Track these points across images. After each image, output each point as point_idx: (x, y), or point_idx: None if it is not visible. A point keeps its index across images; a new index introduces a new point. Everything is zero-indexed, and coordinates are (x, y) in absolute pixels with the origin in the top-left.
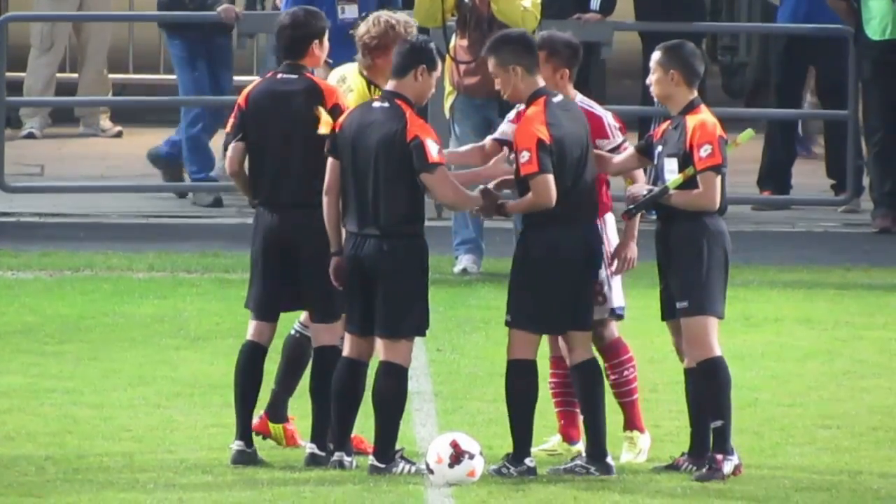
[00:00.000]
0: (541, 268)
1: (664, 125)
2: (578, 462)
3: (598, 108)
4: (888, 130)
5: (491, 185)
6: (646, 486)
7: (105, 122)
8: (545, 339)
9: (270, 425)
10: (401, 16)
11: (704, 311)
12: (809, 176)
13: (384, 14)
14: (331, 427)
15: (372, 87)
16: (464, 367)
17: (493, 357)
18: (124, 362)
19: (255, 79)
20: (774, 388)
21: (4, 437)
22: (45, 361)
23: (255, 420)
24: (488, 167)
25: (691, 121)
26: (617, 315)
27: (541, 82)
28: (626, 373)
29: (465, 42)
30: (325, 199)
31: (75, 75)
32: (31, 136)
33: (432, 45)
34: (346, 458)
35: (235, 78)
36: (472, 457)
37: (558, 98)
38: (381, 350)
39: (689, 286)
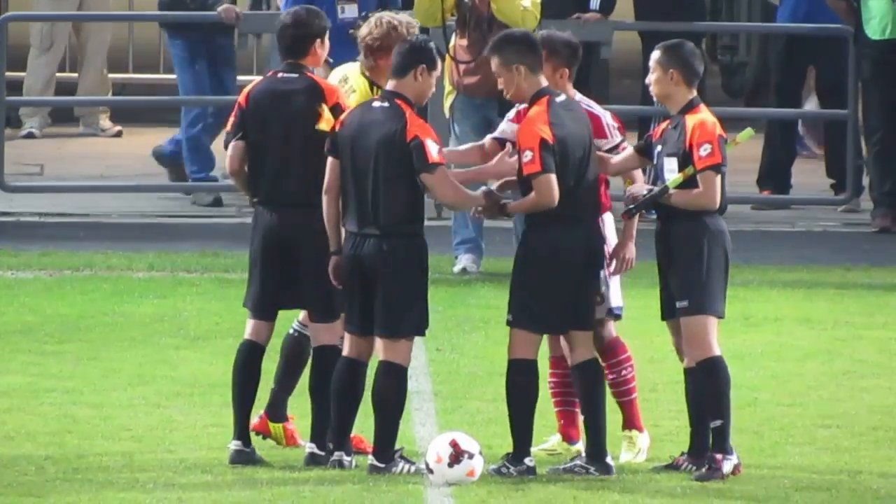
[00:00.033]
0: (543, 267)
1: (663, 125)
2: (578, 462)
3: (596, 108)
4: (888, 130)
5: (494, 187)
6: (645, 486)
7: (105, 122)
8: (545, 338)
9: (270, 425)
10: (403, 17)
11: (704, 311)
12: (809, 175)
13: (386, 15)
14: (330, 427)
15: (374, 88)
16: (463, 366)
17: (493, 356)
18: (124, 362)
19: (258, 78)
20: (774, 388)
21: (4, 437)
22: (45, 361)
23: (255, 420)
24: (492, 164)
25: (691, 120)
26: (615, 315)
27: (544, 82)
28: (623, 372)
29: (464, 42)
30: (324, 199)
31: (75, 75)
32: (30, 135)
33: (432, 44)
34: (346, 458)
35: (238, 78)
36: (471, 456)
37: (561, 98)
38: (380, 350)
39: (689, 286)
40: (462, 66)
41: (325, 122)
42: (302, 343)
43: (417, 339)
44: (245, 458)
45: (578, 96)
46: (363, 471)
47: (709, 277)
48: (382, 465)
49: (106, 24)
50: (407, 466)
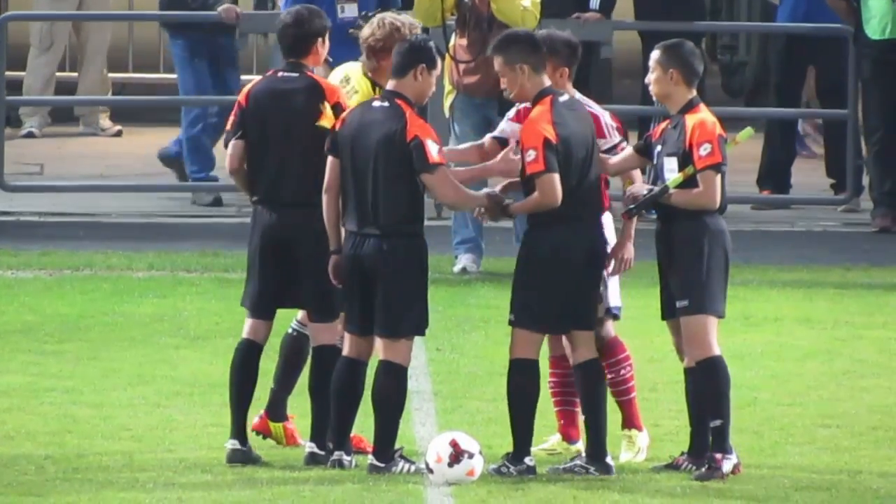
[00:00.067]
0: (545, 267)
1: (663, 124)
2: (578, 462)
3: (595, 108)
4: (888, 130)
5: (497, 189)
6: (645, 486)
7: (105, 122)
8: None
9: (271, 424)
10: (405, 18)
11: (704, 311)
12: (809, 175)
13: (389, 16)
14: (330, 426)
15: (377, 89)
16: (463, 366)
17: (493, 356)
18: (124, 361)
19: (259, 78)
20: (774, 388)
21: (4, 437)
22: (45, 360)
23: (256, 419)
24: (496, 161)
25: (690, 120)
26: (613, 315)
27: (547, 82)
28: (622, 371)
29: (464, 41)
30: (324, 198)
31: (75, 74)
32: (30, 135)
33: (431, 43)
34: (346, 458)
35: (242, 77)
36: (471, 456)
37: (564, 97)
38: (380, 349)
39: (689, 285)
40: (462, 66)
41: (327, 120)
42: (301, 342)
43: (417, 338)
44: (242, 456)
45: (578, 96)
46: (363, 470)
47: (709, 277)
48: (382, 465)
49: (105, 24)
50: (407, 466)
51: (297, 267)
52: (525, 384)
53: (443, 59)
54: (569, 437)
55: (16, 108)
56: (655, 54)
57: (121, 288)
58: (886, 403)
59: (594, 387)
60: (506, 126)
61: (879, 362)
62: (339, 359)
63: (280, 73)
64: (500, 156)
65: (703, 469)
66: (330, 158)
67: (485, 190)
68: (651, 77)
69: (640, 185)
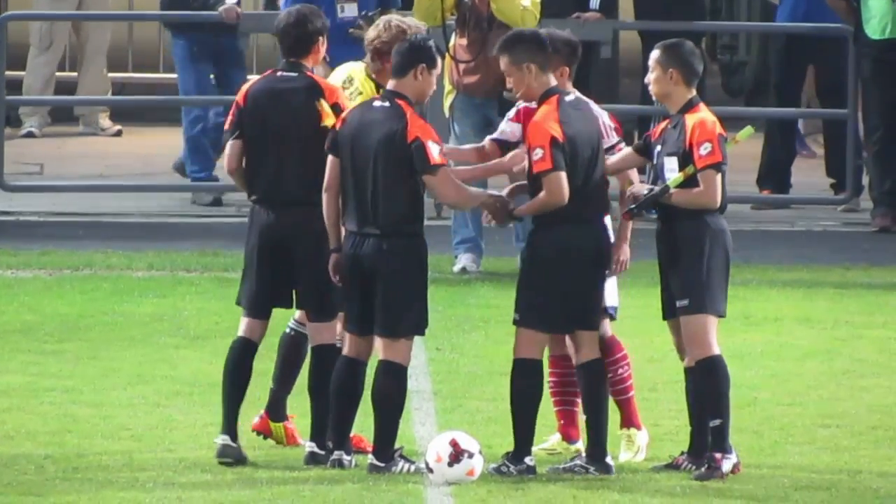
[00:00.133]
0: (550, 267)
1: (662, 124)
2: (578, 461)
3: (595, 108)
4: (888, 130)
5: (504, 192)
6: (645, 485)
7: (104, 121)
8: None
9: (271, 424)
10: (411, 20)
11: (704, 310)
12: (809, 175)
13: (395, 19)
14: (330, 426)
15: (381, 90)
16: (463, 365)
17: (493, 356)
18: (124, 361)
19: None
20: (774, 388)
21: (4, 436)
22: (45, 360)
23: (256, 419)
24: (504, 160)
25: (690, 119)
26: (608, 314)
27: (553, 81)
28: (620, 371)
29: (464, 41)
30: (324, 197)
31: (75, 74)
32: (30, 135)
33: (431, 43)
34: (346, 457)
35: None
36: (471, 455)
37: (570, 97)
38: (380, 349)
39: (689, 285)
40: (462, 66)
41: (328, 118)
42: (299, 342)
43: (417, 338)
44: (232, 452)
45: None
46: (363, 470)
47: (709, 276)
48: (382, 465)
49: (105, 24)
50: (407, 466)
51: (294, 266)
52: (529, 385)
53: (443, 58)
54: (569, 437)
55: (16, 107)
56: (655, 54)
57: (121, 287)
58: (886, 403)
59: (597, 387)
60: (506, 126)
61: (879, 362)
62: (339, 358)
63: (279, 73)
64: (508, 155)
65: (703, 469)
66: (330, 158)
67: (490, 192)
68: (651, 77)
69: (641, 185)
